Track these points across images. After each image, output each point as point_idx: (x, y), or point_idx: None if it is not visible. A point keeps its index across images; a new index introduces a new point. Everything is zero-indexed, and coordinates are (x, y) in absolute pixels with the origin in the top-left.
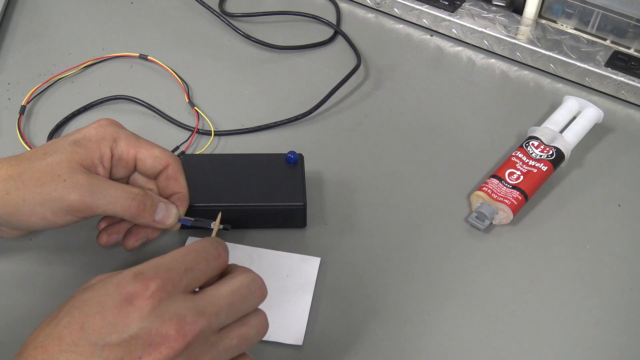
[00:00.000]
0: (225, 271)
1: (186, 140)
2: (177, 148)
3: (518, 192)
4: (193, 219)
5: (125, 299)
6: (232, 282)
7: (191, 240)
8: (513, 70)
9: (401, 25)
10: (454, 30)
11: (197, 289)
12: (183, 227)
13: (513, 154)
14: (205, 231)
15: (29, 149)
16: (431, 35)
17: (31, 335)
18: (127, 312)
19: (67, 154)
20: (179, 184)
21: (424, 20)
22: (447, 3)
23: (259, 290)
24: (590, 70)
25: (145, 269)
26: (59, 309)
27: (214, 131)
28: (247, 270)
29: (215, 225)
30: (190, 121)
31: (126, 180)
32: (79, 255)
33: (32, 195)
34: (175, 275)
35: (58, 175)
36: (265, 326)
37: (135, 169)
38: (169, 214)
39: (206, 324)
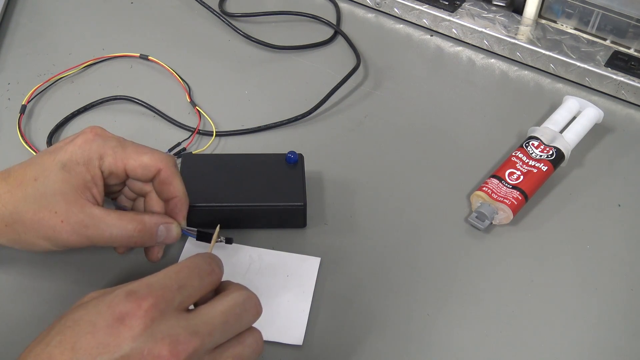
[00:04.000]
0: (220, 288)
1: (187, 139)
2: (178, 144)
3: (518, 192)
4: (196, 229)
5: (118, 319)
6: (226, 300)
7: (192, 239)
8: (513, 70)
9: (401, 25)
10: (454, 30)
11: (192, 307)
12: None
13: (513, 154)
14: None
15: (29, 148)
16: (431, 35)
17: (22, 354)
18: (119, 331)
19: (59, 184)
20: (174, 188)
21: (424, 20)
22: (447, 3)
23: (254, 307)
24: (590, 70)
25: (138, 288)
26: (51, 328)
27: (215, 132)
28: (242, 287)
29: (213, 238)
30: (190, 122)
31: (124, 184)
32: (80, 259)
33: (32, 231)
34: (168, 293)
35: (55, 212)
36: (260, 345)
37: (128, 177)
38: (170, 235)
39: (200, 344)
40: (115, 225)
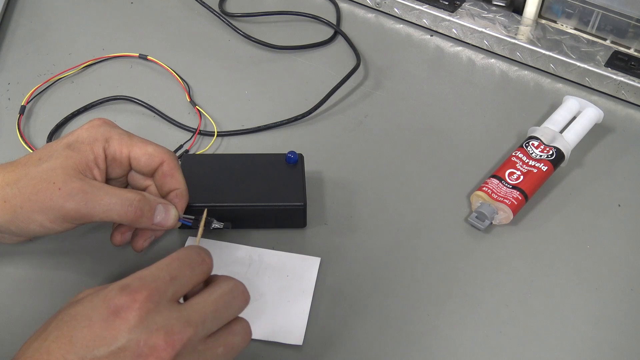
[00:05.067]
0: (208, 280)
1: (188, 140)
2: (180, 147)
3: (518, 192)
4: (193, 217)
5: (113, 312)
6: (215, 289)
7: (191, 239)
8: (513, 70)
9: (401, 25)
10: (454, 30)
11: (182, 299)
12: (183, 225)
13: (513, 154)
14: (207, 229)
15: (28, 149)
16: (431, 35)
17: (20, 350)
18: (115, 324)
19: (61, 160)
20: (175, 181)
21: (424, 20)
22: (447, 3)
23: (242, 295)
24: (590, 70)
25: (132, 282)
26: (47, 324)
27: (217, 132)
28: (229, 277)
29: (202, 222)
30: (190, 122)
31: (125, 179)
32: (80, 258)
33: (29, 204)
34: (161, 285)
35: (53, 182)
36: (249, 333)
37: (130, 167)
38: (168, 216)
39: (193, 333)
40: (114, 193)
